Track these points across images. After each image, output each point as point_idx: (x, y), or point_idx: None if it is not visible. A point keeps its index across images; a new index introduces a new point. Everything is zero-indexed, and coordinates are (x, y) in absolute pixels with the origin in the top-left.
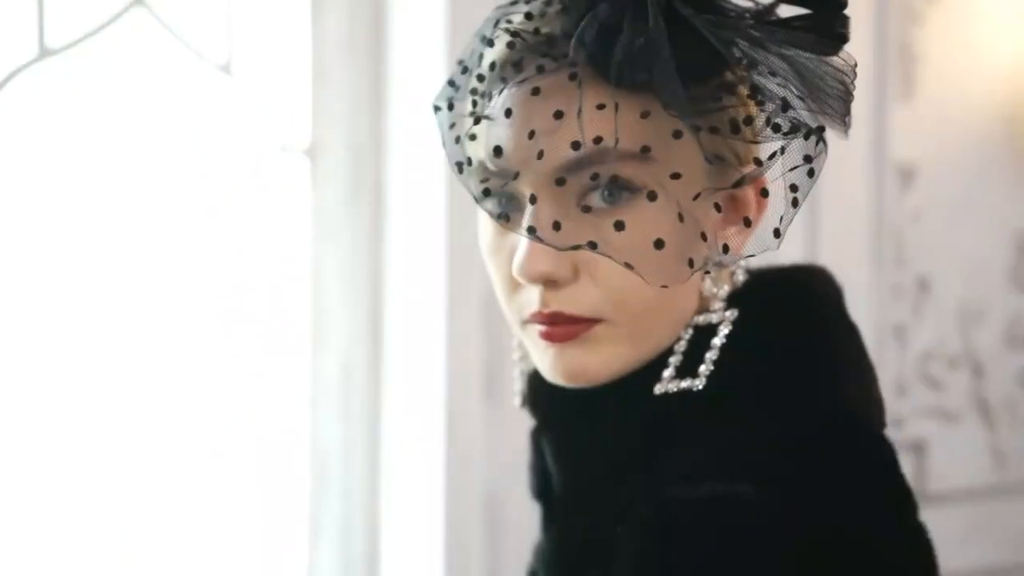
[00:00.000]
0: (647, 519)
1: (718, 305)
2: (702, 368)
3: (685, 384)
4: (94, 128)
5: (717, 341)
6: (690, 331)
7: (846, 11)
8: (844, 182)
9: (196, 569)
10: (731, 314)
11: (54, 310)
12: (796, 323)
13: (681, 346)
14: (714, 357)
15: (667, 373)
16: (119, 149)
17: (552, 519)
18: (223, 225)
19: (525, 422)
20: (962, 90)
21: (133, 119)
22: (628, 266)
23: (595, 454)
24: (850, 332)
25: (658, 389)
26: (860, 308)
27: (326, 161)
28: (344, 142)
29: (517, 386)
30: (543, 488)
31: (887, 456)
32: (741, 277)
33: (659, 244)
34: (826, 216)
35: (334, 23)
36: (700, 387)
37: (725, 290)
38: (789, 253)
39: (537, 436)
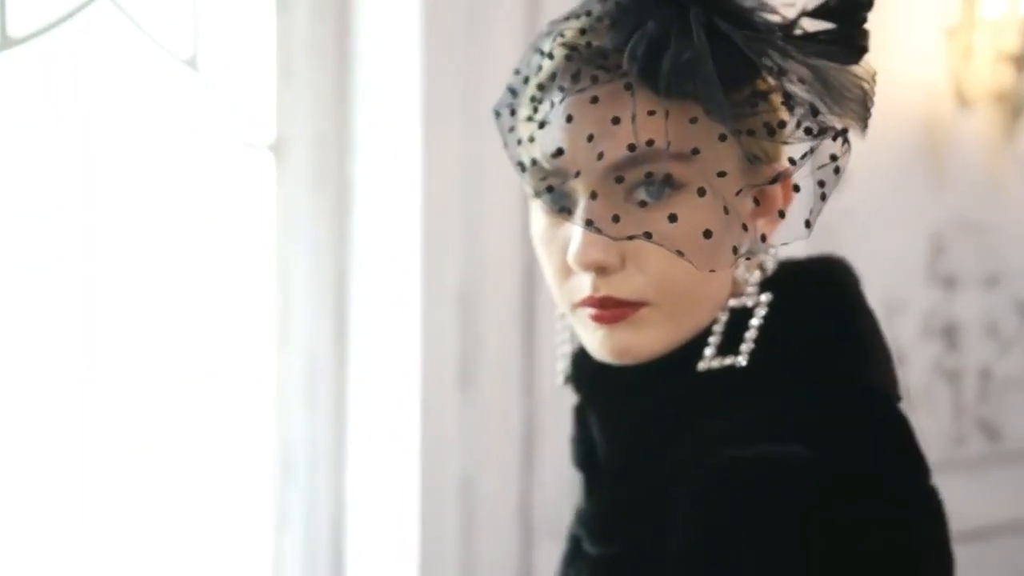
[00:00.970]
0: (707, 478)
1: (751, 290)
2: (743, 347)
3: (728, 361)
4: (56, 120)
5: (755, 322)
6: (726, 313)
7: (866, 26)
8: None
9: (165, 558)
10: (766, 297)
11: (17, 303)
12: (825, 308)
13: (719, 327)
14: (753, 337)
15: (708, 352)
16: (82, 141)
17: (596, 486)
18: (189, 220)
19: (497, 411)
20: (886, 105)
21: (96, 112)
22: (680, 253)
23: (642, 425)
24: (869, 316)
25: (701, 366)
26: None
27: (291, 157)
28: (309, 138)
29: (560, 366)
30: (586, 458)
31: (906, 425)
32: (771, 265)
33: (707, 234)
34: None
35: (299, 20)
36: (743, 364)
37: (756, 276)
38: None
39: (581, 410)
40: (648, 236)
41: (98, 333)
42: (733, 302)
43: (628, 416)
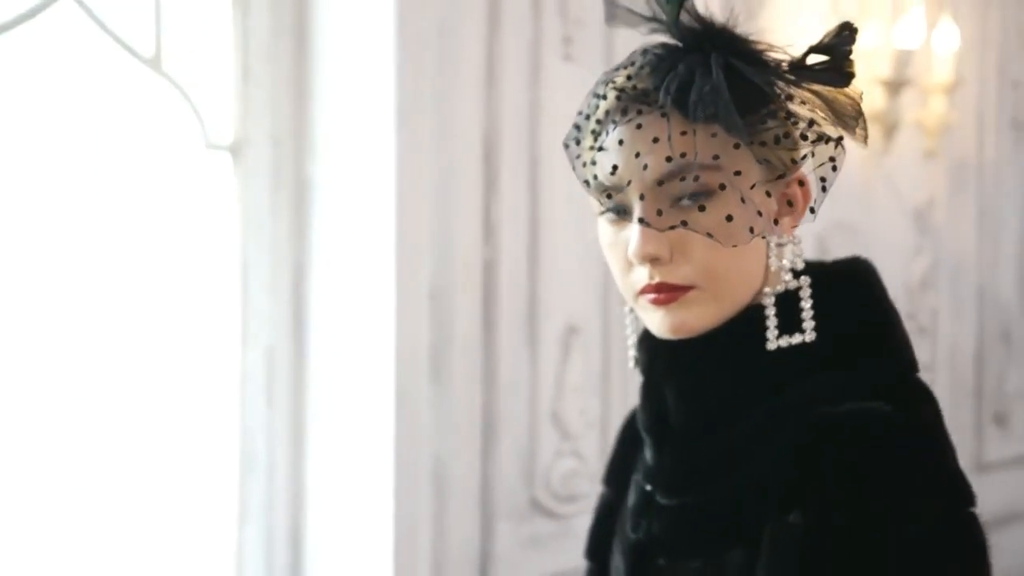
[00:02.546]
0: (804, 432)
1: (786, 276)
2: (805, 325)
3: (796, 339)
4: (18, 117)
5: (806, 304)
6: (772, 298)
7: (852, 57)
8: None
9: (130, 548)
10: (805, 280)
11: None
12: (864, 298)
13: (771, 311)
14: (810, 316)
15: (771, 334)
16: (44, 140)
17: (666, 447)
18: (151, 218)
19: (466, 398)
20: None
21: (58, 111)
22: (709, 235)
23: (720, 395)
24: (893, 306)
25: (771, 346)
26: None
27: (250, 157)
28: (267, 139)
29: (631, 353)
30: (655, 423)
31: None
32: (796, 254)
33: (729, 218)
34: None
35: (258, 23)
36: (811, 339)
37: (786, 263)
38: None
39: (650, 385)
40: (684, 224)
41: (61, 330)
42: (776, 288)
43: (708, 388)
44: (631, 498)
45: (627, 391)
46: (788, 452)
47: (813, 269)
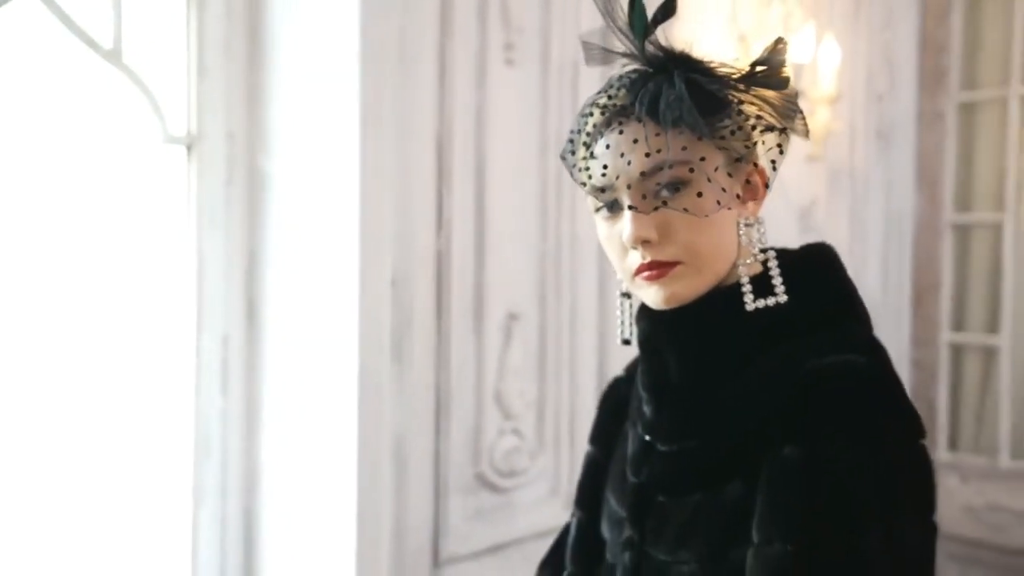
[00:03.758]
0: (797, 380)
1: (754, 250)
2: (777, 289)
3: (771, 301)
4: None
5: (774, 272)
6: (745, 268)
7: (784, 67)
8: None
9: (87, 529)
10: (771, 253)
11: None
12: (830, 274)
13: (745, 279)
14: (779, 282)
15: (748, 297)
16: (2, 130)
17: (666, 402)
18: (109, 209)
19: (423, 379)
20: None
21: (17, 103)
22: (685, 210)
23: (714, 355)
24: (852, 280)
25: (749, 308)
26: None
27: (205, 151)
28: (222, 133)
29: (624, 331)
30: (655, 383)
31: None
32: (761, 231)
33: (699, 195)
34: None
35: (212, 20)
36: (784, 300)
37: (754, 239)
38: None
39: (651, 351)
40: (664, 203)
41: (18, 318)
42: (748, 260)
43: (704, 349)
44: (630, 448)
45: (560, 375)
46: (783, 397)
47: (787, 251)
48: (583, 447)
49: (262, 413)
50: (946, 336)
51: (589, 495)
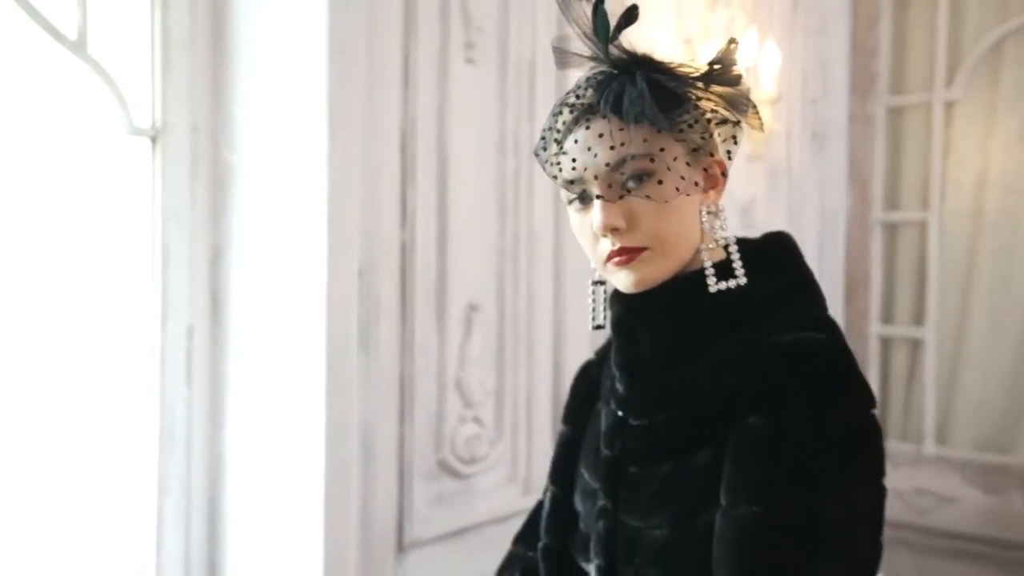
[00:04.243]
0: (762, 355)
1: (716, 236)
2: (737, 272)
3: (732, 283)
4: None
5: (735, 256)
6: (708, 253)
7: (736, 65)
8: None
9: (53, 518)
10: (732, 238)
11: None
12: (790, 260)
13: (708, 263)
14: (739, 265)
15: (711, 280)
16: None
17: (638, 380)
18: (73, 201)
19: (388, 367)
20: None
21: None
22: (648, 197)
23: (683, 335)
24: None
25: (712, 289)
26: (582, 282)
27: (170, 144)
28: (186, 126)
29: (597, 316)
30: (627, 362)
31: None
32: (722, 219)
33: (660, 183)
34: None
35: (177, 15)
36: (744, 283)
37: (717, 226)
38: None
39: (625, 331)
40: (629, 191)
41: None
42: (710, 245)
43: (675, 328)
44: (603, 425)
45: (518, 364)
46: (748, 372)
47: (748, 240)
48: (540, 435)
49: (227, 404)
50: (875, 328)
51: (562, 471)
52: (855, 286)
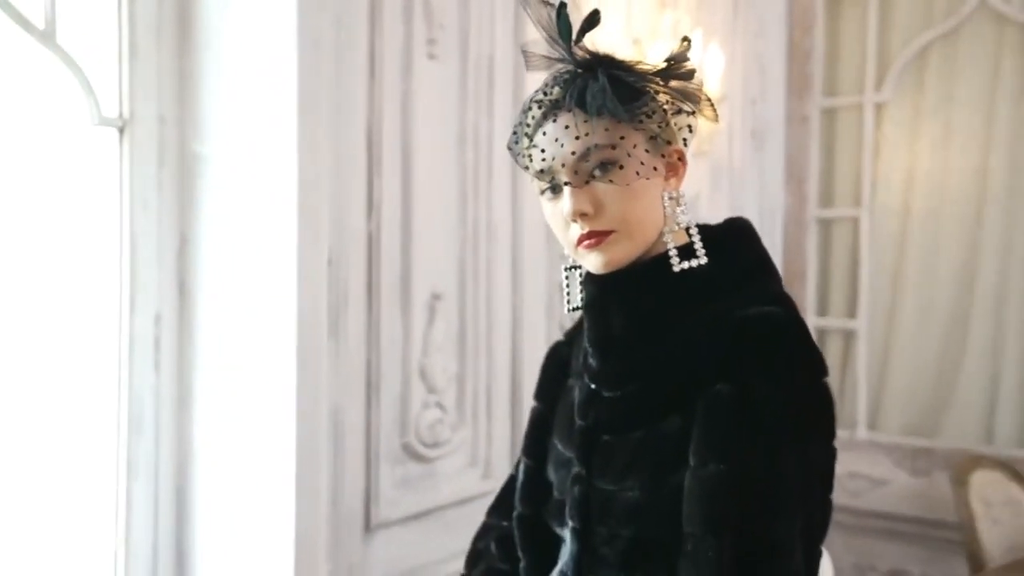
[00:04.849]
0: (728, 330)
1: (678, 220)
2: (699, 252)
3: (694, 262)
4: None
5: (696, 239)
6: (670, 236)
7: (689, 62)
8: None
9: (23, 502)
10: (693, 221)
11: None
12: (749, 242)
13: (671, 244)
14: (700, 246)
15: (674, 260)
16: None
17: (611, 354)
18: (41, 191)
19: (356, 354)
20: None
21: None
22: (611, 181)
23: (651, 312)
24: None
25: (676, 268)
26: (539, 272)
27: (137, 134)
28: (153, 117)
29: (575, 300)
30: (600, 338)
31: None
32: (683, 203)
33: (621, 167)
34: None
35: (144, 5)
36: (705, 262)
37: (679, 211)
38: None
39: (597, 310)
40: (594, 177)
41: None
42: (673, 228)
43: (642, 307)
44: (576, 398)
45: (479, 352)
46: (714, 343)
47: (710, 225)
48: (499, 420)
49: (195, 389)
50: (811, 320)
51: (535, 444)
52: (792, 280)
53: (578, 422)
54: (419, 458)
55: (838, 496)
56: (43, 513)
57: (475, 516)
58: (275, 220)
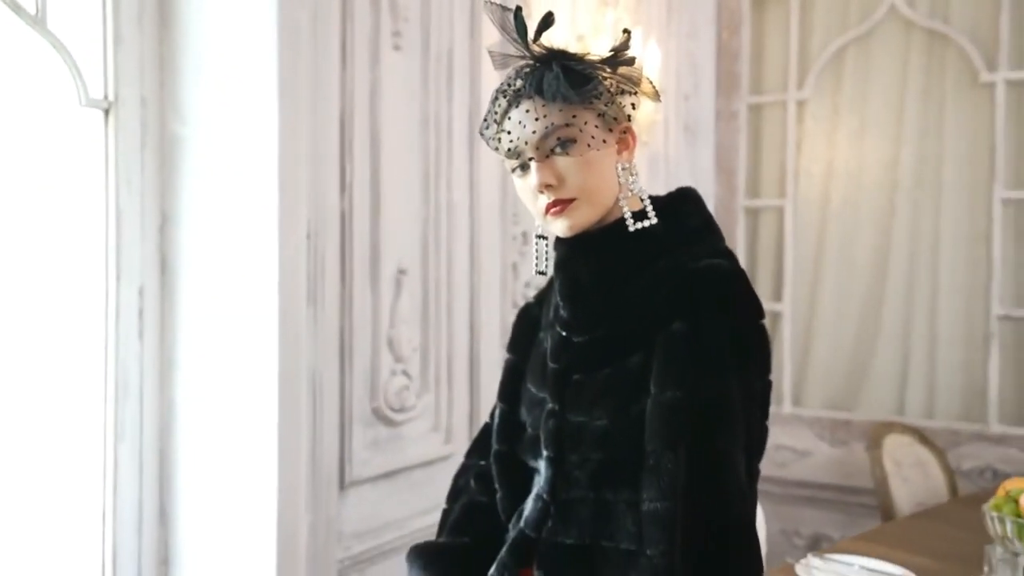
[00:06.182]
0: (682, 279)
1: (633, 187)
2: (650, 215)
3: (647, 223)
4: None
5: (647, 203)
6: (625, 201)
7: (630, 51)
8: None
9: (13, 463)
10: (644, 191)
11: None
12: (696, 207)
13: (626, 210)
14: (651, 210)
15: (629, 222)
16: None
17: (580, 303)
18: (32, 170)
19: (334, 322)
20: None
21: None
22: (567, 154)
23: (612, 267)
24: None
25: (631, 228)
26: (495, 250)
27: (120, 115)
28: (136, 99)
29: (542, 264)
30: (570, 290)
31: None
32: (634, 174)
33: (575, 142)
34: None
35: None
36: (655, 223)
37: (631, 180)
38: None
39: (568, 268)
40: (555, 152)
41: None
42: (627, 194)
43: (604, 263)
44: (549, 346)
45: (440, 324)
46: (671, 290)
47: (660, 196)
48: (458, 388)
49: (177, 356)
50: None
51: (510, 390)
52: None
53: (551, 366)
54: (388, 422)
55: (765, 467)
56: (35, 474)
57: (438, 477)
58: (256, 197)
